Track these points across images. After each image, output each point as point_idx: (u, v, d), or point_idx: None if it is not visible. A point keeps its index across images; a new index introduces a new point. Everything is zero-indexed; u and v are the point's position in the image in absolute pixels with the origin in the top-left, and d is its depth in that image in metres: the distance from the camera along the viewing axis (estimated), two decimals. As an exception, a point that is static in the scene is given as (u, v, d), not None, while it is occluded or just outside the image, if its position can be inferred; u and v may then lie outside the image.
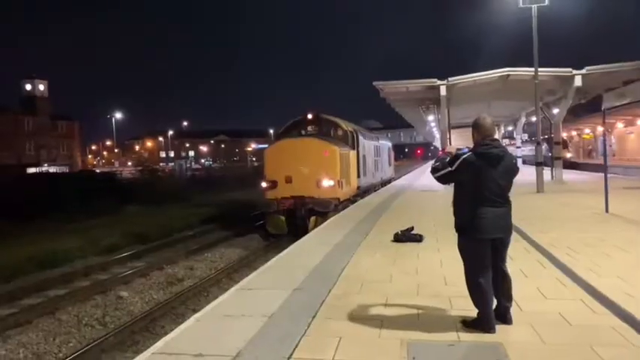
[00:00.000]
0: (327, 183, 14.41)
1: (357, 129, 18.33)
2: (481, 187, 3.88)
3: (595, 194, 13.29)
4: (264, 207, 14.78)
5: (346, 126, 17.19)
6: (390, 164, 28.21)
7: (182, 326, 4.54)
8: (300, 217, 14.16)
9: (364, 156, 18.49)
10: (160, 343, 4.11)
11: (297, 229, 13.51)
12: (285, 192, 14.50)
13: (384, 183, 24.76)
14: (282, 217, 14.30)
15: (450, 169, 3.98)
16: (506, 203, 3.99)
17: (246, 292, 5.54)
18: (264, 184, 15.00)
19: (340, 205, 14.74)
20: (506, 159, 3.94)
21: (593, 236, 7.98)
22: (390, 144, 29.18)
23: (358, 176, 17.33)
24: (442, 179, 4.11)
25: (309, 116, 16.94)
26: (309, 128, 16.97)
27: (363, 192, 18.43)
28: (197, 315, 4.83)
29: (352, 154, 16.64)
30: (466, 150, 4.03)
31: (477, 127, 4.05)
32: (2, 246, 13.37)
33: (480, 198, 3.88)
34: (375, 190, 20.83)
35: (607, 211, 10.63)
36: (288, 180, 14.52)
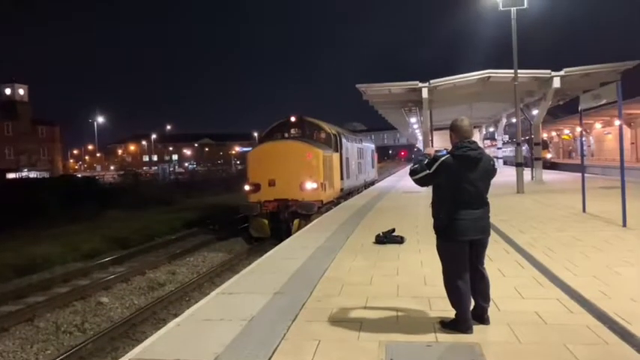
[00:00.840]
0: (310, 186, 14.44)
1: (340, 131, 18.38)
2: (459, 189, 3.91)
3: (573, 194, 13.52)
4: (246, 210, 14.72)
5: (329, 129, 17.23)
6: (373, 166, 28.33)
7: (161, 331, 4.50)
8: (284, 219, 14.16)
9: (347, 158, 18.56)
10: (137, 349, 4.07)
11: (280, 232, 13.49)
12: (268, 195, 14.49)
13: (368, 185, 24.87)
14: (265, 220, 14.31)
15: (428, 171, 4.00)
16: (485, 205, 4.03)
17: (227, 297, 5.51)
18: (247, 187, 14.97)
19: (323, 207, 14.76)
20: (484, 161, 3.98)
21: (571, 236, 8.11)
22: (373, 146, 29.32)
23: (342, 178, 17.39)
24: (420, 182, 4.14)
25: (292, 119, 16.97)
26: (292, 131, 16.99)
27: (346, 194, 18.50)
28: (176, 320, 4.79)
29: (335, 156, 16.69)
30: (445, 152, 4.07)
31: (454, 129, 4.08)
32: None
33: (458, 200, 3.92)
34: (359, 192, 20.90)
35: (584, 210, 10.80)
36: (272, 183, 14.52)
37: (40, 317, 8.27)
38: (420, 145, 43.31)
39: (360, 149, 22.54)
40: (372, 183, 26.91)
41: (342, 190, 17.53)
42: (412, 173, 4.16)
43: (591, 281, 5.29)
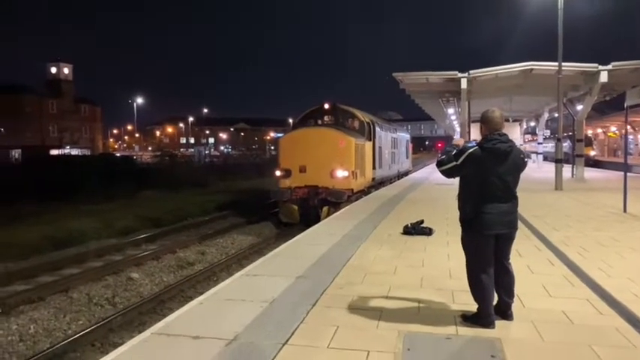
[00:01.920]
0: (341, 174, 14.36)
1: (374, 120, 18.18)
2: (486, 182, 3.81)
3: (615, 193, 13.02)
4: (277, 195, 14.77)
5: (363, 117, 17.06)
6: (407, 157, 27.99)
7: (184, 308, 4.59)
8: (313, 206, 14.17)
9: (380, 147, 18.36)
10: (160, 324, 4.17)
11: (309, 219, 13.52)
12: (298, 181, 14.51)
13: (401, 175, 24.62)
14: (295, 206, 14.34)
15: (455, 162, 3.90)
16: (513, 199, 3.91)
17: (251, 278, 5.57)
18: (278, 173, 15.01)
19: (353, 196, 14.69)
20: (514, 154, 3.86)
21: (608, 236, 7.82)
22: (408, 136, 28.93)
23: (373, 168, 17.23)
24: (447, 173, 4.04)
25: (326, 106, 16.85)
26: (326, 118, 16.89)
27: (378, 184, 18.35)
28: (200, 298, 4.88)
29: (368, 145, 16.53)
30: (474, 143, 3.96)
31: (485, 120, 3.97)
32: (22, 225, 13.70)
33: (485, 193, 3.82)
34: (392, 183, 20.73)
35: (625, 210, 10.39)
36: (302, 169, 14.51)
37: (73, 289, 8.57)
38: (457, 136, 42.57)
39: (394, 139, 22.27)
40: (406, 174, 26.63)
41: (373, 179, 17.37)
42: (439, 164, 4.07)
43: (625, 283, 5.08)
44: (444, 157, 4.04)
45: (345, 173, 14.39)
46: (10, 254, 10.78)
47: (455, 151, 3.98)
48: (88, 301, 8.09)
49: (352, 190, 14.58)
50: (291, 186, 14.54)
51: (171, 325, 4.10)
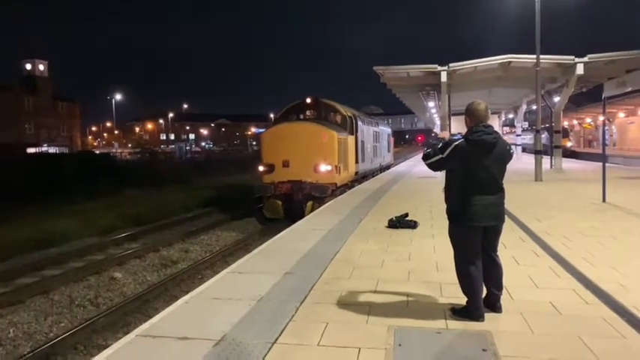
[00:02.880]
0: (324, 168, 14.33)
1: (356, 114, 18.14)
2: (473, 175, 3.80)
3: (593, 183, 13.25)
4: (260, 190, 14.66)
5: (345, 111, 17.02)
6: (389, 150, 28.08)
7: (169, 308, 4.50)
8: (297, 201, 14.10)
9: (363, 141, 18.36)
10: (145, 325, 4.08)
11: (293, 214, 13.46)
12: (282, 176, 14.43)
13: (383, 169, 24.69)
14: (279, 202, 14.27)
15: (441, 155, 3.88)
16: (499, 191, 3.91)
17: (237, 276, 5.50)
18: (261, 168, 14.92)
19: (337, 190, 14.67)
20: (499, 145, 3.85)
21: (589, 225, 7.93)
22: (389, 130, 29.01)
23: (357, 162, 17.22)
24: (433, 166, 4.02)
25: (308, 100, 16.80)
26: (308, 113, 16.85)
27: (361, 177, 18.37)
28: (185, 297, 4.80)
29: (351, 139, 16.50)
30: (459, 136, 3.94)
31: (470, 113, 3.95)
32: (1, 226, 13.35)
33: (472, 185, 3.81)
34: (374, 176, 20.77)
35: (604, 200, 10.56)
36: (286, 164, 14.45)
37: (54, 290, 8.40)
38: (437, 129, 42.85)
39: (376, 132, 22.28)
40: (388, 167, 26.71)
41: (356, 173, 17.37)
42: (425, 157, 4.04)
43: (609, 272, 5.15)
44: (429, 150, 4.02)
45: (329, 167, 14.37)
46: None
47: (440, 144, 3.96)
48: (70, 302, 7.94)
49: (336, 184, 14.57)
50: (274, 181, 14.45)
51: (156, 326, 4.01)
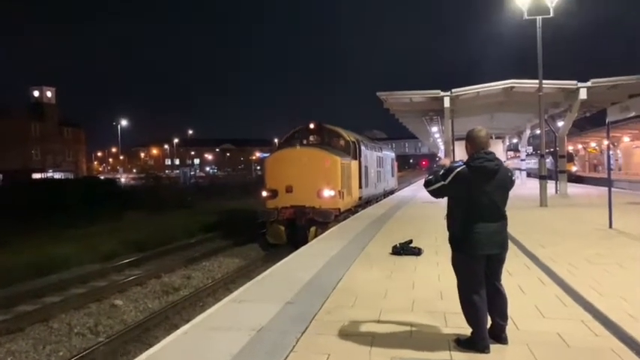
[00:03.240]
0: (327, 193, 14.29)
1: (359, 139, 18.18)
2: (475, 202, 3.76)
3: (599, 209, 13.11)
4: (264, 216, 14.57)
5: (348, 136, 17.06)
6: (393, 175, 27.94)
7: (168, 339, 4.42)
8: (301, 227, 14.03)
9: (366, 166, 18.33)
10: (143, 356, 4.00)
11: (296, 239, 13.37)
12: (285, 201, 14.37)
13: (387, 194, 24.57)
14: (282, 227, 14.20)
15: (442, 182, 3.85)
16: (502, 218, 3.86)
17: (237, 305, 5.42)
18: (264, 193, 14.89)
19: (341, 215, 14.59)
20: (501, 172, 3.82)
21: (596, 252, 7.81)
22: (393, 154, 28.95)
23: (360, 187, 17.17)
24: (435, 193, 3.99)
25: (311, 126, 16.88)
26: (311, 138, 16.90)
27: (365, 203, 18.28)
28: (184, 328, 4.71)
29: (354, 164, 16.50)
30: (460, 163, 3.91)
31: (470, 139, 3.93)
32: (4, 252, 13.30)
33: (474, 213, 3.76)
34: (378, 201, 20.67)
35: (611, 226, 10.44)
36: (289, 189, 14.40)
37: (54, 318, 8.31)
38: (441, 154, 42.87)
39: (379, 157, 22.26)
40: (392, 192, 26.57)
41: (360, 198, 17.31)
42: (427, 184, 4.01)
43: (617, 302, 5.04)
44: (431, 177, 3.99)
45: (332, 193, 14.32)
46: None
47: (442, 171, 3.93)
48: (69, 330, 7.84)
49: (339, 209, 14.51)
50: (277, 206, 14.35)
51: (154, 358, 3.93)
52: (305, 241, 11.83)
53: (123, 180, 54.07)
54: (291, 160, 14.78)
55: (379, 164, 22.08)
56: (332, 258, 7.93)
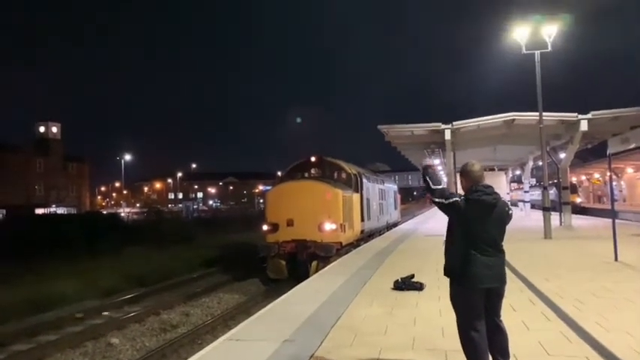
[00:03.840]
0: (329, 227, 14.09)
1: (361, 172, 18.17)
2: (472, 235, 3.70)
3: (604, 241, 12.91)
4: (264, 250, 14.30)
5: (350, 169, 17.05)
6: (395, 207, 27.83)
7: (160, 380, 4.28)
8: (302, 261, 13.81)
9: (368, 199, 18.25)
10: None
11: (298, 274, 13.14)
12: (286, 235, 14.13)
13: (390, 226, 24.40)
14: (283, 262, 13.97)
15: (443, 200, 3.78)
16: (499, 252, 3.79)
17: (234, 344, 5.28)
18: (265, 227, 14.70)
19: (342, 249, 14.40)
20: (499, 206, 3.77)
21: (602, 286, 7.64)
22: (395, 187, 28.91)
23: (362, 220, 17.04)
24: (437, 204, 3.89)
25: (312, 159, 16.90)
26: (312, 171, 16.89)
27: (367, 236, 18.13)
28: (178, 368, 4.58)
29: (356, 197, 16.38)
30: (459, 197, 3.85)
31: (464, 174, 3.91)
32: (2, 288, 13.16)
33: (471, 246, 3.70)
34: (381, 234, 20.51)
35: (616, 259, 10.27)
36: (290, 223, 14.17)
37: (49, 357, 8.14)
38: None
39: (381, 190, 22.19)
40: (395, 225, 26.41)
41: (362, 231, 17.11)
42: (432, 192, 3.90)
43: (624, 338, 4.88)
44: (439, 187, 3.89)
45: (334, 226, 14.12)
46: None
47: (447, 191, 3.86)
48: (64, 371, 7.65)
49: (341, 243, 14.33)
50: (278, 240, 14.11)
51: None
52: (306, 276, 11.63)
53: (123, 214, 54.04)
54: (292, 193, 14.65)
55: (381, 197, 21.99)
56: (332, 294, 7.78)
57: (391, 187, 26.52)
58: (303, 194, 14.45)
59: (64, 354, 8.34)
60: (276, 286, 13.44)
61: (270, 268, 14.30)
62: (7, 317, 10.72)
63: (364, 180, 17.87)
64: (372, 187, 19.44)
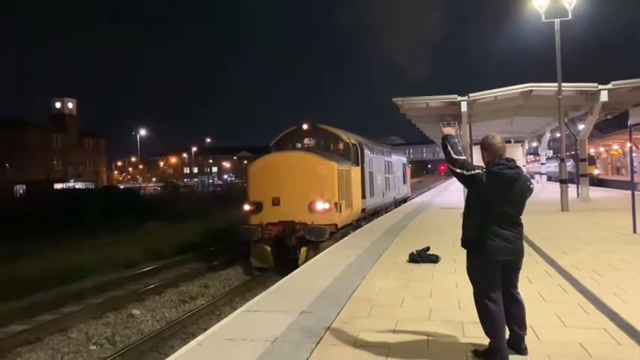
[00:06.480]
0: (321, 206, 11.99)
1: (362, 141, 15.75)
2: (491, 208, 3.68)
3: (623, 213, 12.77)
4: (245, 234, 12.21)
5: (348, 138, 14.74)
6: (405, 182, 25.37)
7: (181, 350, 4.40)
8: (290, 246, 11.93)
9: (371, 173, 16.10)
10: (156, 369, 3.98)
11: (285, 261, 11.76)
12: (271, 217, 12.09)
13: (398, 203, 22.64)
14: (268, 247, 12.13)
15: (464, 172, 3.74)
16: (517, 225, 3.77)
17: (252, 315, 5.38)
18: (246, 207, 12.53)
19: (338, 232, 12.46)
20: (521, 180, 3.73)
21: (620, 258, 7.59)
22: (404, 159, 26.24)
23: (363, 197, 14.88)
24: (455, 175, 3.85)
25: (304, 127, 14.56)
26: (305, 141, 14.60)
27: (370, 214, 16.34)
28: (198, 339, 4.68)
29: (355, 170, 14.12)
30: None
31: (486, 147, 3.86)
32: (25, 261, 13.53)
33: (489, 218, 3.68)
34: (387, 211, 19.19)
35: (635, 231, 10.16)
36: (276, 202, 12.07)
37: (72, 327, 8.37)
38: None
39: (388, 162, 20.14)
40: (404, 200, 24.71)
41: (364, 210, 15.12)
42: (452, 161, 3.84)
43: (642, 310, 4.87)
44: (460, 157, 3.84)
45: (327, 205, 11.99)
46: (11, 292, 10.60)
47: (466, 162, 3.81)
48: (87, 340, 7.90)
49: (336, 225, 12.25)
50: (262, 222, 12.08)
51: (168, 369, 3.91)
52: (295, 264, 10.46)
53: (143, 189, 54.68)
54: (277, 167, 12.41)
55: (388, 170, 19.98)
56: (347, 266, 7.84)
57: (400, 159, 24.16)
58: (290, 168, 12.23)
59: (86, 324, 8.57)
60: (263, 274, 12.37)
61: (253, 254, 12.47)
62: (35, 289, 11.05)
63: (366, 151, 15.61)
64: (375, 159, 17.13)
